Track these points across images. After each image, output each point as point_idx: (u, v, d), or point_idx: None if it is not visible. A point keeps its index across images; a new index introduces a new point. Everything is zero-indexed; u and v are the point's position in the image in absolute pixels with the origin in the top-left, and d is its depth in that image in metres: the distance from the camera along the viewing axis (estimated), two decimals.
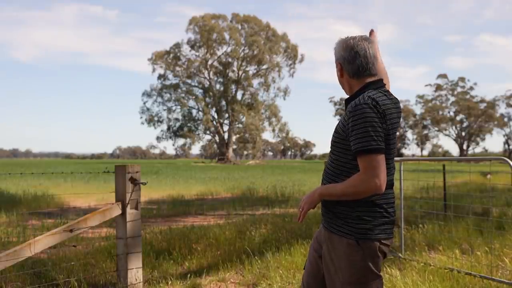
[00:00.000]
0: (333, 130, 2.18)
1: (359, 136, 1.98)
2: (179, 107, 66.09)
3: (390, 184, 2.13)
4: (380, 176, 1.95)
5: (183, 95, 66.25)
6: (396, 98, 2.19)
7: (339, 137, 2.12)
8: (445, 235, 5.89)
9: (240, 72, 65.88)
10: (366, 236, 2.06)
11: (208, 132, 67.50)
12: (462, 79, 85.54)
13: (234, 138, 67.08)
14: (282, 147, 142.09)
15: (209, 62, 65.70)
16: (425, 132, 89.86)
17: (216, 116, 66.36)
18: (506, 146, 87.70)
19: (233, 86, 66.17)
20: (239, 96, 66.36)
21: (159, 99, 65.94)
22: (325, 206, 2.19)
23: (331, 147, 2.20)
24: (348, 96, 2.22)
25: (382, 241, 2.09)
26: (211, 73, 66.30)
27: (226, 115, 66.27)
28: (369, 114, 1.99)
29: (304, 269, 2.39)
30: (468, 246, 5.37)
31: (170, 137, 66.90)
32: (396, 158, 3.30)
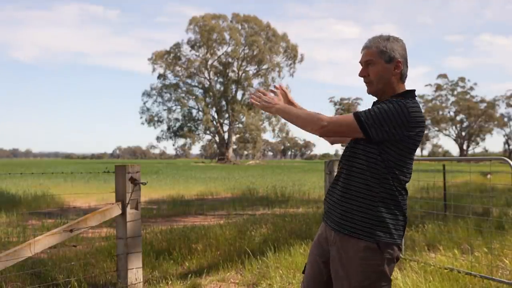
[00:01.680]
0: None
1: (371, 110, 2.00)
2: (179, 107, 66.12)
3: (406, 190, 2.10)
4: (328, 128, 2.04)
5: (183, 95, 66.27)
6: None
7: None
8: (445, 235, 5.90)
9: (240, 72, 65.90)
10: (388, 239, 2.00)
11: (208, 132, 67.50)
12: (462, 79, 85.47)
13: (234, 138, 67.08)
14: (282, 147, 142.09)
15: (209, 62, 65.70)
16: (425, 132, 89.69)
17: (216, 116, 66.36)
18: (506, 146, 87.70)
19: (233, 86, 66.17)
20: (239, 96, 66.41)
21: (159, 99, 66.01)
22: (338, 206, 2.08)
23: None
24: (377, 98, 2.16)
25: (399, 246, 2.07)
26: (211, 73, 66.30)
27: (226, 115, 66.27)
28: (396, 112, 1.96)
29: (303, 273, 2.28)
30: (468, 246, 5.37)
31: (170, 137, 66.89)
32: None
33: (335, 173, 2.24)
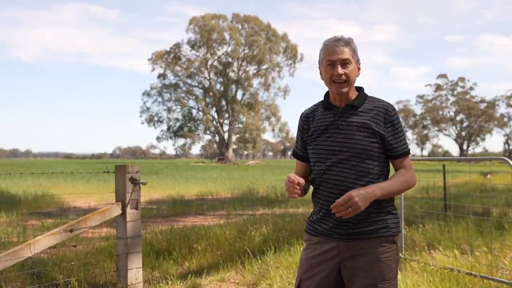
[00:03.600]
0: (356, 135, 2.07)
1: (404, 137, 2.15)
2: (179, 107, 66.13)
3: None
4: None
5: (183, 95, 66.28)
6: None
7: (378, 142, 2.09)
8: (445, 235, 5.89)
9: (240, 72, 65.90)
10: (398, 229, 2.13)
11: (208, 132, 67.50)
12: (462, 79, 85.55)
13: (234, 138, 67.06)
14: (282, 147, 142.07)
15: (209, 62, 65.69)
16: (425, 132, 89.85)
17: (216, 116, 66.35)
18: (506, 146, 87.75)
19: (233, 86, 66.16)
20: (239, 96, 66.43)
21: (159, 99, 66.02)
22: (353, 216, 1.99)
23: (360, 153, 2.06)
24: (352, 99, 2.14)
25: None
26: (211, 73, 66.30)
27: (226, 115, 66.26)
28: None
29: None
30: (468, 246, 5.37)
31: (170, 137, 66.89)
32: None
33: (322, 188, 2.12)
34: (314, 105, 2.27)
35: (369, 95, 2.20)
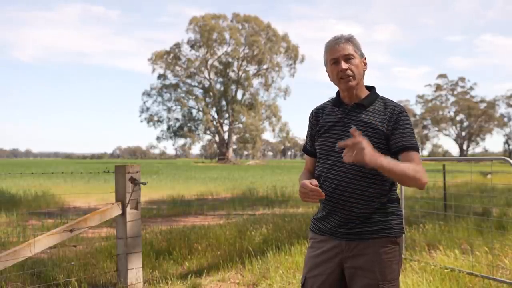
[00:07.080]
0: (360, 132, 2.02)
1: (411, 134, 2.06)
2: (179, 107, 66.12)
3: None
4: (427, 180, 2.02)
5: (183, 95, 66.30)
6: None
7: (384, 143, 2.05)
8: (445, 235, 5.89)
9: (240, 72, 65.90)
10: (401, 231, 2.12)
11: (208, 132, 67.52)
12: (462, 79, 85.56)
13: (234, 138, 67.08)
14: (282, 147, 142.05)
15: (209, 62, 65.70)
16: (425, 132, 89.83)
17: (216, 116, 66.38)
18: (506, 146, 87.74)
19: (233, 86, 66.18)
20: (239, 96, 66.44)
21: (159, 99, 66.04)
22: (354, 216, 2.05)
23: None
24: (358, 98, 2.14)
25: None
26: (211, 73, 66.31)
27: (226, 115, 66.29)
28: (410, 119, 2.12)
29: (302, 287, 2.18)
30: (468, 246, 5.37)
31: (170, 137, 66.90)
32: None
33: (325, 187, 2.10)
34: (325, 102, 2.29)
35: (381, 95, 2.17)
